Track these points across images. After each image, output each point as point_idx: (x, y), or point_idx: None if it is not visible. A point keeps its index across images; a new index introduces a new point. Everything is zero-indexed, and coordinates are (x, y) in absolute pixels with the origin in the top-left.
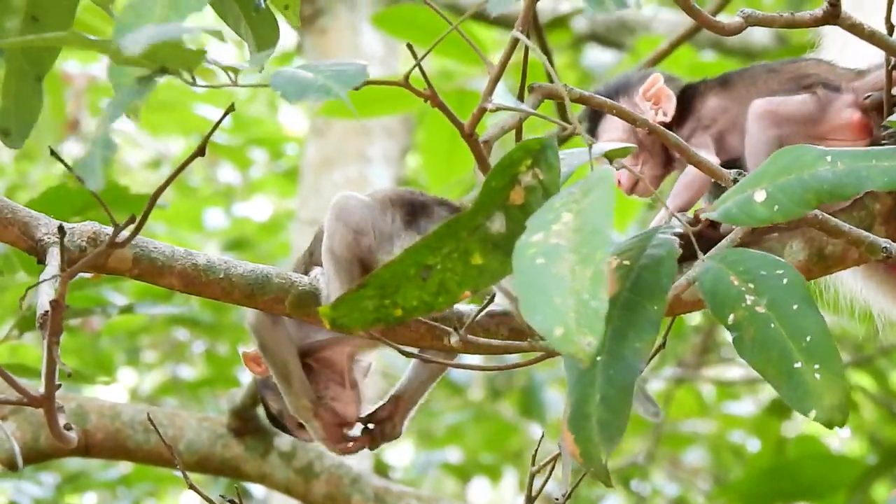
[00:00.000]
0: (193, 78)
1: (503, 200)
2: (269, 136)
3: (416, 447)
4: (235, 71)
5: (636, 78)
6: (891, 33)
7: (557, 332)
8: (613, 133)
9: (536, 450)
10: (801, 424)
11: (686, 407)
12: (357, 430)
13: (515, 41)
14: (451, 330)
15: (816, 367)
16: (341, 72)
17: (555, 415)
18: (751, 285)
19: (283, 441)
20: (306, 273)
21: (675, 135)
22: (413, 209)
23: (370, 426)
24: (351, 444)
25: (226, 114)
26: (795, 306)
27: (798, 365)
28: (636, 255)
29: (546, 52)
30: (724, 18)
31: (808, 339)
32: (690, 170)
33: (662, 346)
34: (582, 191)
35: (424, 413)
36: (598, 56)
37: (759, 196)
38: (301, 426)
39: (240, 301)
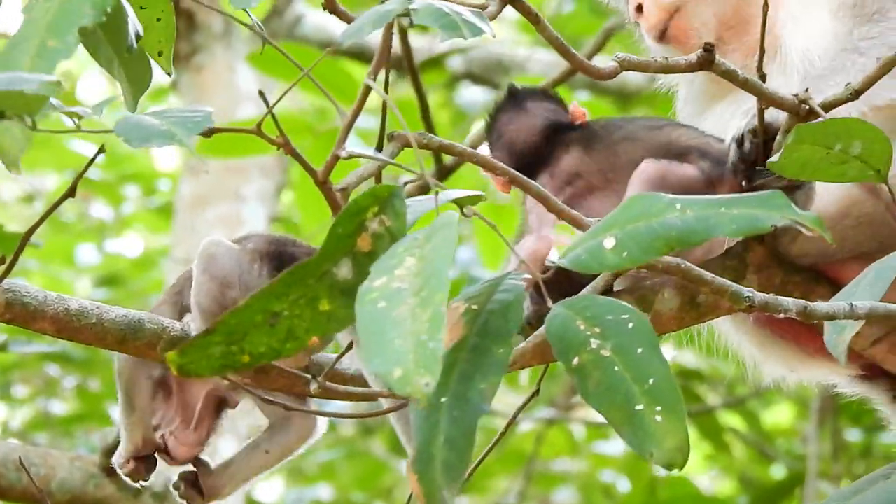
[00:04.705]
0: (34, 122)
1: (350, 247)
2: (141, 172)
3: (287, 484)
4: (79, 116)
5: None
6: (763, 80)
7: (396, 374)
8: None
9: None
10: None
11: (557, 446)
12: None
13: (368, 89)
14: (309, 377)
15: (658, 409)
16: (187, 118)
17: None
18: (597, 329)
19: (156, 482)
20: (175, 311)
21: (537, 185)
22: (281, 262)
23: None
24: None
25: (97, 154)
26: (640, 350)
27: (640, 407)
28: (484, 299)
29: (420, 92)
30: (599, 62)
31: (651, 382)
32: None
33: (536, 392)
34: (425, 236)
35: None
36: (472, 94)
37: (609, 243)
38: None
39: (112, 346)
